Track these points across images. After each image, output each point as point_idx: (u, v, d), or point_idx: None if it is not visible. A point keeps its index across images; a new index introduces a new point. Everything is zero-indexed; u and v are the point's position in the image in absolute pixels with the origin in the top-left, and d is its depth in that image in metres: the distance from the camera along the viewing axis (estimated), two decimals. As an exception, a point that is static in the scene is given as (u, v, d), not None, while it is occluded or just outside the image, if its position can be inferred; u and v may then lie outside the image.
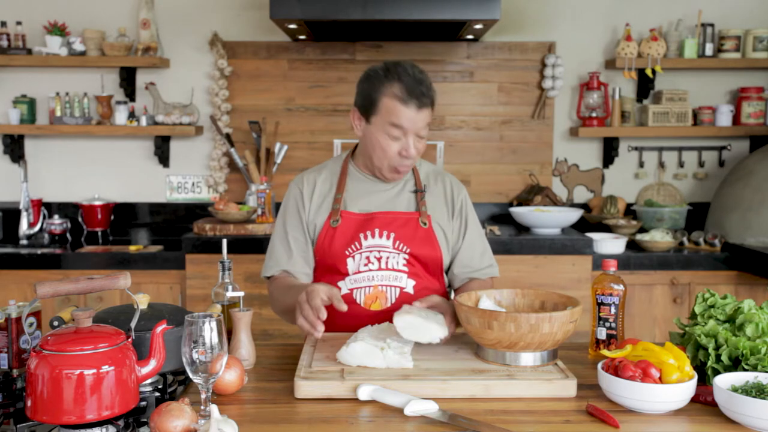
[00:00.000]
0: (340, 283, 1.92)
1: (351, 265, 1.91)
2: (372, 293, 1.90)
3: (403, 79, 1.84)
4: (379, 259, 1.91)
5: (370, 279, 1.90)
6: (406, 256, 1.92)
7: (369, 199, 1.97)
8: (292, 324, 1.99)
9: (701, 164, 3.86)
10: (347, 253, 1.91)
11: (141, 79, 3.74)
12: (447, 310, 1.73)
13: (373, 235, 1.92)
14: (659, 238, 3.33)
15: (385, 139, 1.87)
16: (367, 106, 1.89)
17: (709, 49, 3.66)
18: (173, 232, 3.69)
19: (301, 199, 1.99)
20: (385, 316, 1.88)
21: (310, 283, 1.72)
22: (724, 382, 1.38)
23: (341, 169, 2.02)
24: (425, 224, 1.95)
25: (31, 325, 1.52)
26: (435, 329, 1.64)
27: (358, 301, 1.90)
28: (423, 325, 1.63)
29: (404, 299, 1.90)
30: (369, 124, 1.90)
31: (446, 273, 2.04)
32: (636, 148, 3.84)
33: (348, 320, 1.84)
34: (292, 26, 3.26)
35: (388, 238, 1.92)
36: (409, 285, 1.92)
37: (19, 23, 3.61)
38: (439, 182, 2.05)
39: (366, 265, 1.90)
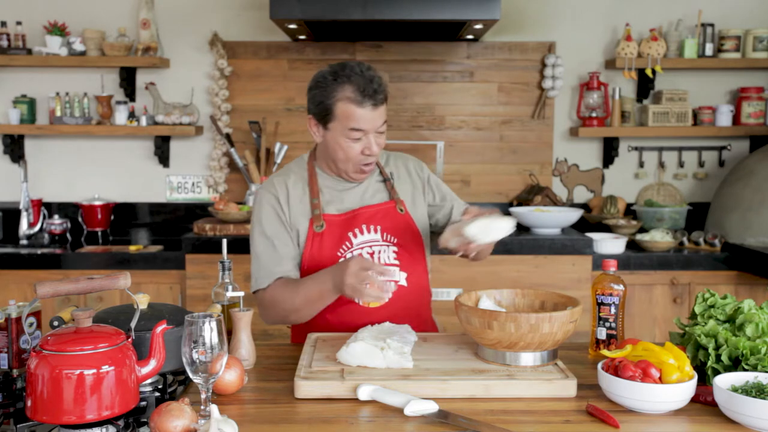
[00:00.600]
0: None
1: None
2: None
3: (353, 81, 1.81)
4: (371, 255, 1.91)
5: None
6: (395, 248, 1.93)
7: (342, 198, 1.96)
8: (304, 320, 1.90)
9: (701, 164, 3.85)
10: (339, 254, 1.91)
11: (141, 79, 3.74)
12: (492, 210, 1.80)
13: (362, 232, 1.92)
14: (659, 238, 3.33)
15: (346, 143, 1.86)
16: (322, 113, 1.86)
17: (709, 49, 3.66)
18: (173, 232, 3.69)
19: (278, 203, 1.94)
20: (384, 311, 1.88)
21: (339, 263, 1.72)
22: (724, 382, 1.38)
23: (308, 173, 1.98)
24: (402, 211, 1.97)
25: (31, 325, 1.52)
26: (503, 222, 1.72)
27: (355, 299, 1.89)
28: (491, 224, 1.72)
29: (400, 292, 1.91)
30: (327, 130, 1.88)
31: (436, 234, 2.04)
32: (636, 148, 3.84)
33: (347, 318, 1.84)
34: (292, 26, 3.26)
35: (376, 231, 1.93)
36: (402, 278, 1.92)
37: (19, 23, 3.61)
38: (400, 164, 2.07)
39: None
